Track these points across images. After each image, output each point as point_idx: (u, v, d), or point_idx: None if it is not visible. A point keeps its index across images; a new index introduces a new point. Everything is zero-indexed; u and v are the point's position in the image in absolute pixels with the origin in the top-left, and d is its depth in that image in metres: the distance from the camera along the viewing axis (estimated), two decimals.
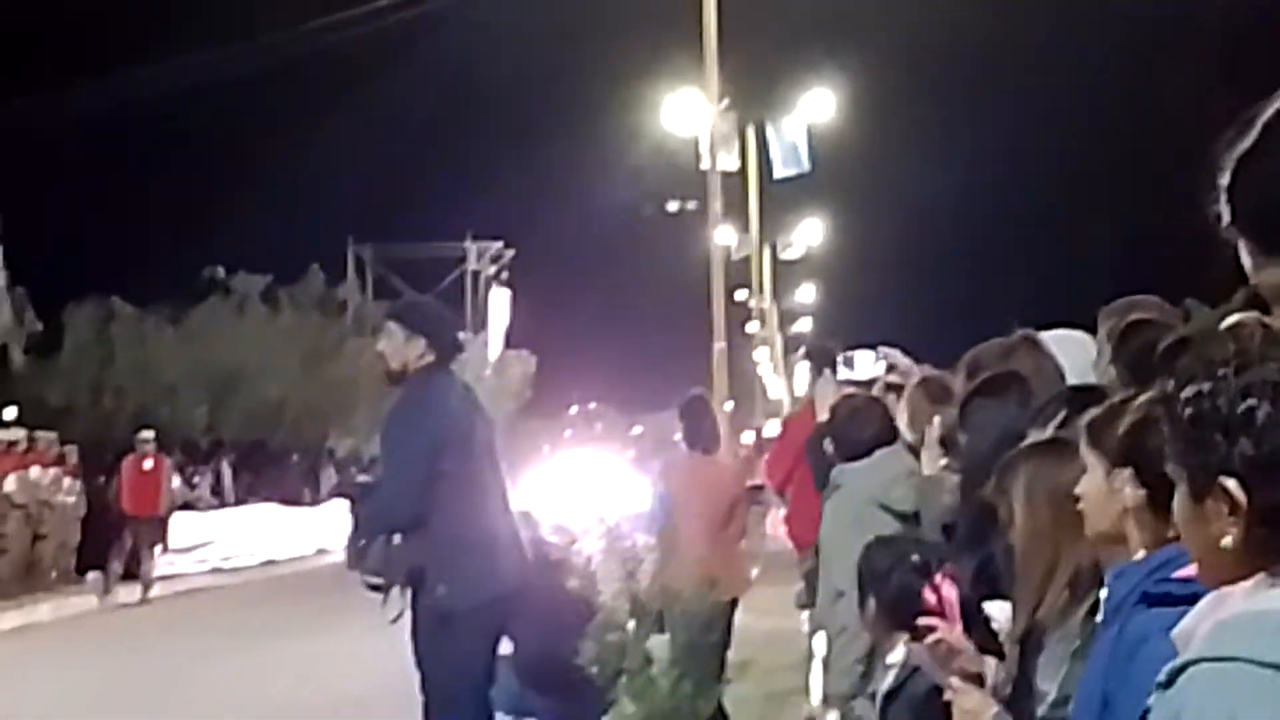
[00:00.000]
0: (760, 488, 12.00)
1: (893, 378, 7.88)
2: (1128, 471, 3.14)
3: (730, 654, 10.15)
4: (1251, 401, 1.96)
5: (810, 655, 10.45)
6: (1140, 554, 3.08)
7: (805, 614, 10.69)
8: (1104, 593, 3.20)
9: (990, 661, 4.68)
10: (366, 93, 61.58)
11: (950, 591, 5.14)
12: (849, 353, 8.50)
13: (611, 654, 8.54)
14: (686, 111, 28.74)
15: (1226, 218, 2.19)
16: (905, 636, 5.27)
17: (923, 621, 4.95)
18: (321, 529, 32.29)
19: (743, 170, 38.62)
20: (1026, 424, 4.63)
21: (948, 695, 4.30)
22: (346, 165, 62.73)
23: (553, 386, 57.31)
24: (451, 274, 55.97)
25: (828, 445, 7.72)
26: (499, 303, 53.03)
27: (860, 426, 7.32)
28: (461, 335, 8.76)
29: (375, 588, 7.57)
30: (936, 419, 6.13)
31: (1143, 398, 3.13)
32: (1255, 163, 2.13)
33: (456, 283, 55.38)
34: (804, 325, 64.94)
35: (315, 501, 37.92)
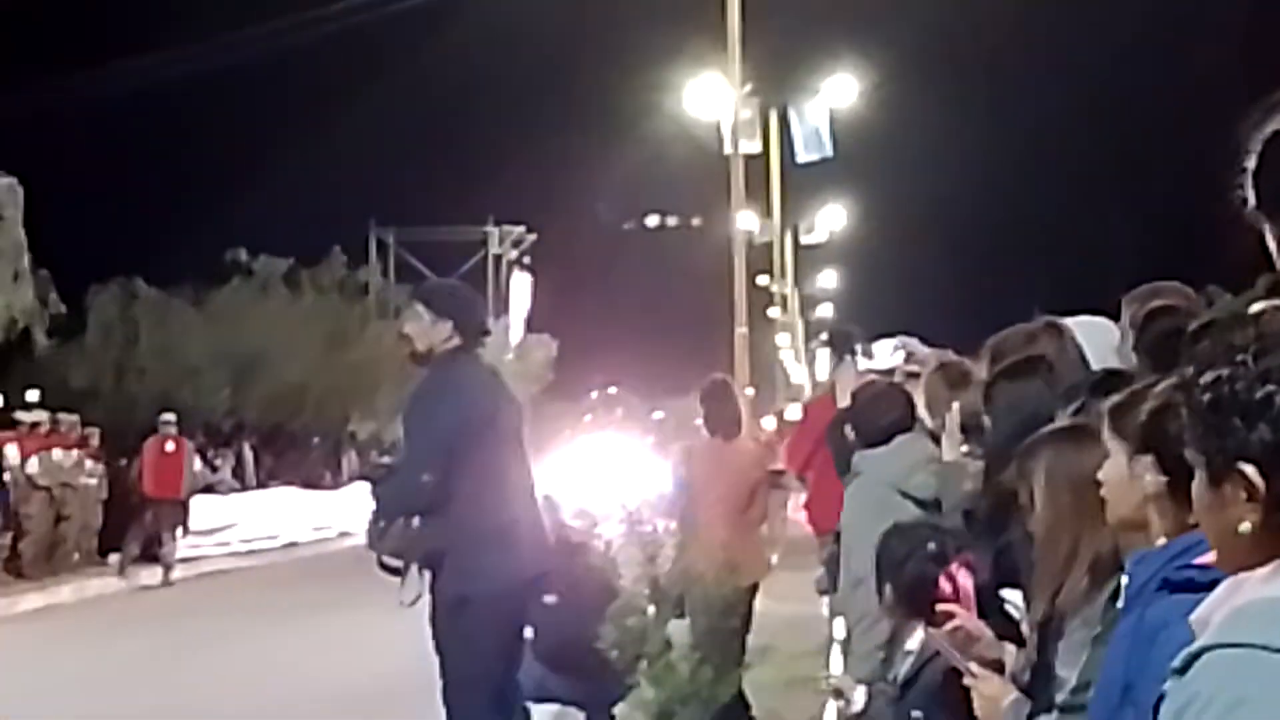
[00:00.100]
0: (781, 472, 11.98)
1: (911, 366, 7.88)
2: (1149, 458, 3.13)
3: (750, 639, 10.13)
4: (1270, 387, 1.95)
5: (830, 640, 10.47)
6: (1161, 540, 3.08)
7: (825, 599, 10.69)
8: (1124, 579, 3.19)
9: (1009, 648, 4.68)
10: (389, 75, 61.78)
11: (966, 580, 5.14)
12: (868, 344, 8.51)
13: (631, 638, 8.53)
14: (709, 96, 28.72)
15: (1252, 201, 2.18)
16: (922, 624, 5.26)
17: (942, 608, 4.95)
18: (343, 512, 32.33)
19: (765, 155, 38.59)
20: (1051, 409, 4.62)
21: (967, 681, 4.30)
22: (369, 148, 62.79)
23: (574, 371, 57.33)
24: (473, 258, 55.96)
25: (848, 431, 7.72)
26: (521, 287, 53.00)
27: (880, 413, 7.32)
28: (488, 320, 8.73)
29: (392, 570, 7.57)
30: (956, 405, 6.12)
31: (1163, 384, 3.12)
32: None
33: (478, 266, 55.35)
34: (826, 310, 64.92)
35: (336, 484, 37.98)
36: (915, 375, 7.57)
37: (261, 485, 35.87)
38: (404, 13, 34.18)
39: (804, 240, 52.65)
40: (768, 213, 43.83)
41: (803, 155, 33.41)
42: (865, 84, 34.74)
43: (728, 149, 27.86)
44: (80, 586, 23.01)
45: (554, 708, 9.88)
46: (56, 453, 24.44)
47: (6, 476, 23.27)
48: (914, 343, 8.12)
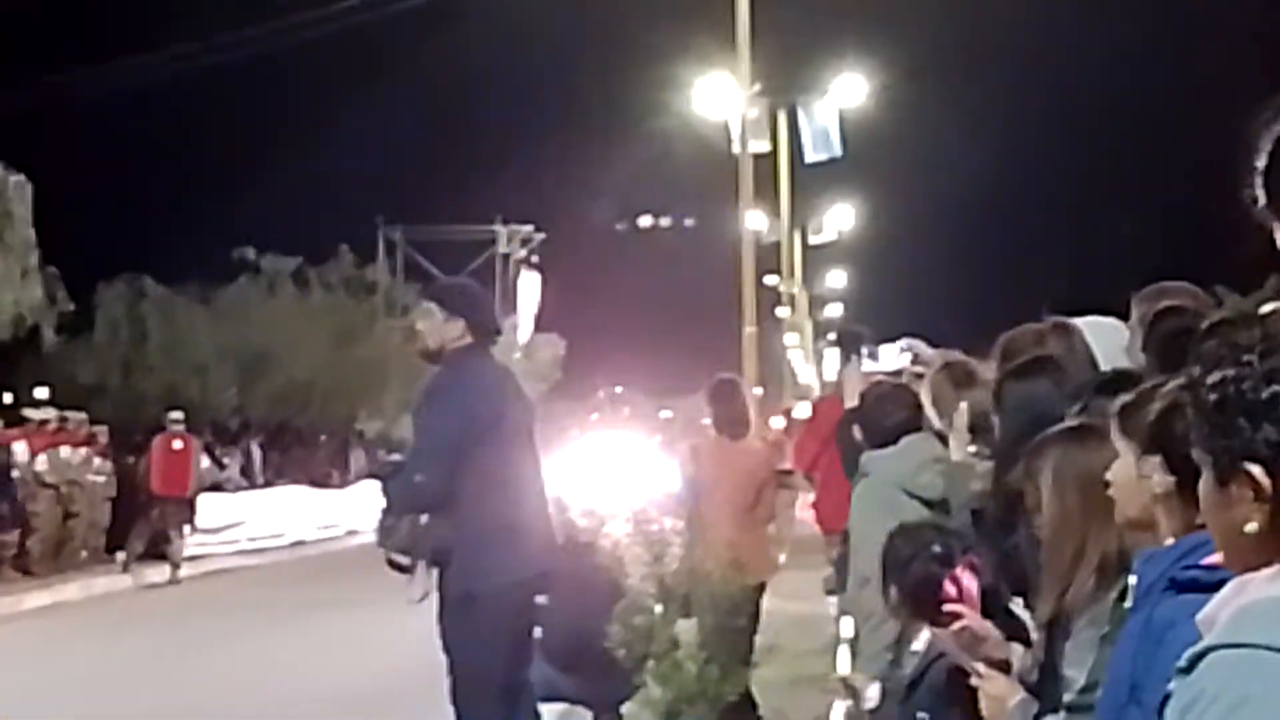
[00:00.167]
0: (789, 472, 11.99)
1: (917, 368, 7.88)
2: (1157, 458, 3.13)
3: (757, 638, 10.15)
4: (1277, 387, 1.95)
5: (837, 640, 10.46)
6: (1169, 540, 3.08)
7: (833, 598, 10.69)
8: (1132, 579, 3.19)
9: (1016, 648, 4.68)
10: (398, 73, 61.76)
11: (970, 582, 5.13)
12: (873, 347, 8.52)
13: (638, 637, 8.54)
14: (718, 96, 28.73)
15: (1262, 200, 2.18)
16: (928, 624, 5.26)
17: (948, 607, 4.95)
18: (350, 510, 32.35)
19: (773, 155, 38.60)
20: (1059, 409, 4.62)
21: (974, 682, 4.30)
22: (377, 146, 62.88)
23: (582, 370, 57.30)
24: (481, 256, 55.95)
25: (856, 432, 7.71)
26: (529, 286, 52.99)
27: (888, 413, 7.31)
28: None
29: (401, 567, 7.58)
30: (963, 404, 6.12)
31: (1171, 384, 3.12)
32: None
33: (486, 265, 55.35)
34: (834, 310, 64.96)
35: (344, 483, 37.99)
36: (922, 376, 7.57)
37: (269, 483, 35.87)
38: (413, 10, 34.18)
39: (812, 240, 52.68)
40: (776, 212, 43.84)
41: (811, 155, 33.40)
42: (874, 84, 34.79)
43: (736, 148, 27.87)
44: (87, 584, 23.02)
45: (561, 706, 9.88)
46: (64, 450, 24.46)
47: (14, 474, 23.29)
48: (919, 344, 8.12)
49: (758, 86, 28.24)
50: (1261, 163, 2.15)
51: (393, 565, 7.61)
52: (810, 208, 50.82)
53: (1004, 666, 4.52)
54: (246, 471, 36.42)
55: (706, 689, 7.98)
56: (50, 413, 25.69)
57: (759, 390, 27.41)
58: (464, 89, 73.95)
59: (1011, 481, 4.45)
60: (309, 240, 46.81)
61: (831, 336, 11.30)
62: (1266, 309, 2.09)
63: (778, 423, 37.01)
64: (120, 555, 24.53)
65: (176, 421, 25.54)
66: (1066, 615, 3.95)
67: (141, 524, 24.77)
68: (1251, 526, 1.99)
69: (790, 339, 57.83)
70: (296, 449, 42.11)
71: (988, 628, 4.80)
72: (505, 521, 7.42)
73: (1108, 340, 5.77)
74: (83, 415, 26.23)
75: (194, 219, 52.29)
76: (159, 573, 24.22)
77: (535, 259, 52.97)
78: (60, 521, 24.12)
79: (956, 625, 4.81)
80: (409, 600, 7.56)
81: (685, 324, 63.91)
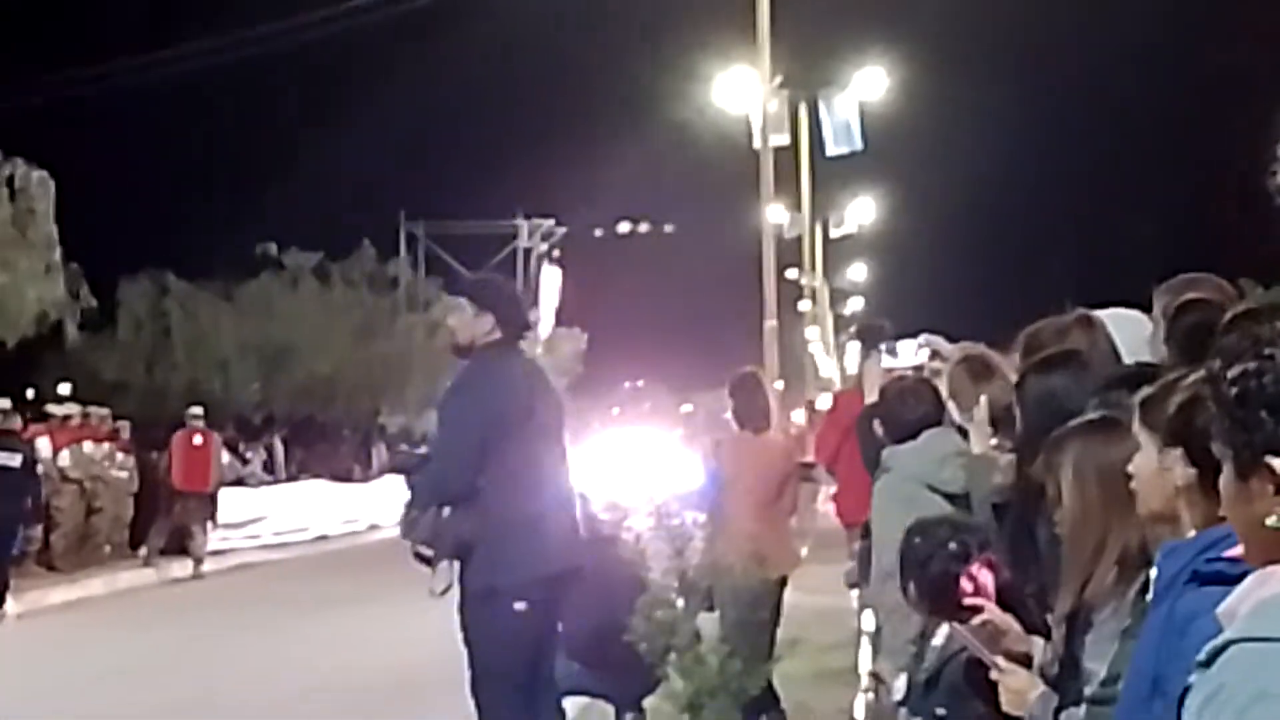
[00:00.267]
0: (811, 465, 11.96)
1: (936, 364, 7.87)
2: (1179, 451, 3.12)
3: (780, 632, 10.13)
4: None
5: (860, 633, 10.46)
6: (1191, 533, 3.07)
7: (855, 592, 10.68)
8: (1154, 571, 3.19)
9: (1036, 641, 4.67)
10: (420, 68, 61.70)
11: (987, 578, 5.13)
12: (892, 342, 8.50)
13: (660, 631, 8.52)
14: (739, 89, 28.71)
15: None
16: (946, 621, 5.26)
17: (969, 601, 4.95)
18: (373, 505, 32.40)
19: (794, 148, 38.56)
20: (1081, 402, 4.61)
21: (994, 675, 4.30)
22: (398, 142, 62.92)
23: (603, 364, 57.26)
24: (503, 251, 55.97)
25: (876, 426, 7.71)
26: (550, 280, 53.00)
27: (909, 407, 7.30)
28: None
29: (424, 559, 7.59)
30: (984, 398, 6.11)
31: (1193, 377, 3.12)
32: None
33: (507, 260, 55.36)
34: (856, 304, 64.88)
35: (366, 477, 38.03)
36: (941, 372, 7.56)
37: (291, 478, 35.94)
38: (435, 6, 34.22)
39: (833, 233, 52.60)
40: (797, 206, 43.79)
41: (832, 148, 33.36)
42: (895, 77, 34.73)
43: (757, 142, 27.84)
44: (111, 579, 23.08)
45: (583, 700, 9.89)
46: (88, 445, 24.52)
47: (38, 470, 23.36)
48: (938, 340, 8.09)
49: (778, 80, 28.21)
50: None
51: (419, 558, 7.63)
52: (831, 201, 50.74)
53: (1025, 660, 4.51)
54: (269, 466, 36.51)
55: (729, 683, 7.97)
56: (73, 408, 25.78)
57: (780, 384, 27.36)
58: (485, 84, 74.03)
59: (1033, 475, 4.45)
60: (331, 235, 46.89)
61: (853, 330, 11.27)
62: None
63: (799, 416, 36.96)
64: (143, 550, 24.60)
65: (197, 417, 25.61)
66: (1087, 608, 3.95)
67: (162, 519, 24.84)
68: (1273, 520, 1.99)
69: (811, 333, 57.71)
70: (319, 444, 42.19)
71: (1008, 621, 4.80)
72: (529, 516, 7.43)
73: (1130, 333, 5.76)
74: (106, 411, 26.31)
75: (216, 215, 52.43)
76: (182, 568, 24.30)
77: (556, 253, 53.00)
78: (84, 517, 24.18)
79: (978, 619, 4.80)
80: (432, 592, 7.57)
81: (706, 318, 63.97)
